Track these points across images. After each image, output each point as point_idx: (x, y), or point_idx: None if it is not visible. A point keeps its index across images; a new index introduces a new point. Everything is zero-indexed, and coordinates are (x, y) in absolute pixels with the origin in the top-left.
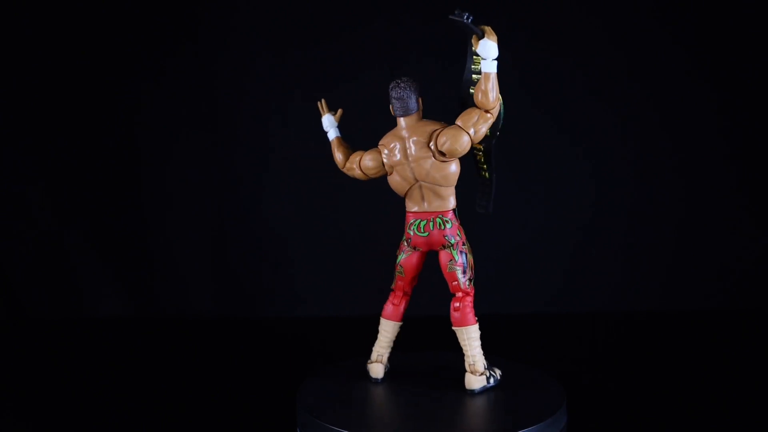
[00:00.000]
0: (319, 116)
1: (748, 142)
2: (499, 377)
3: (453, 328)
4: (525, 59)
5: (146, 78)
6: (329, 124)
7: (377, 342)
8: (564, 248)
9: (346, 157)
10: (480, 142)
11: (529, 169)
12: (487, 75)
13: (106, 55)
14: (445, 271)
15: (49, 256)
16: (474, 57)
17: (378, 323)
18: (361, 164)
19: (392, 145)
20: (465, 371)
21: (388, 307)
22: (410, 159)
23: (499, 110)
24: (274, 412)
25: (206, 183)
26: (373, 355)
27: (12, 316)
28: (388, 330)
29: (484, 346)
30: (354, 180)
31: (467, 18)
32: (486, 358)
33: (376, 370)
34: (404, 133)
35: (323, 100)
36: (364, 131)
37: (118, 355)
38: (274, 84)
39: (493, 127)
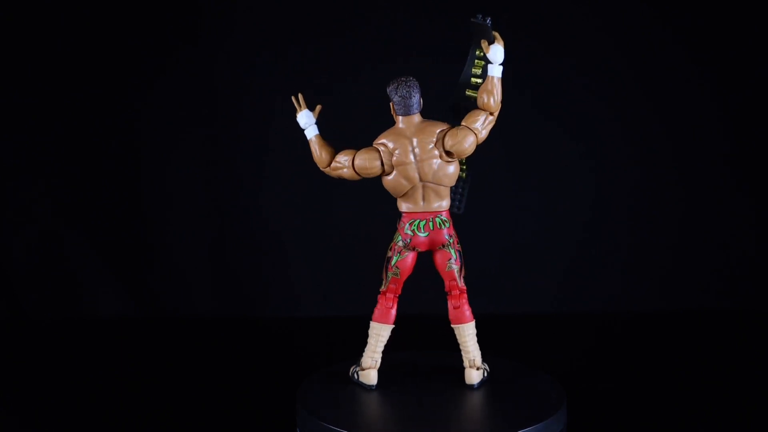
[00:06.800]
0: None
1: (748, 142)
2: (488, 370)
3: (453, 325)
4: (525, 58)
5: (146, 77)
6: (307, 120)
7: (370, 347)
8: (564, 248)
9: (331, 156)
10: None
11: (529, 168)
12: (494, 78)
13: (105, 54)
14: (443, 270)
15: (49, 256)
16: (476, 61)
17: None
18: (355, 163)
19: (395, 145)
20: (464, 367)
21: (382, 311)
22: (417, 159)
23: None
24: (274, 412)
25: (206, 183)
26: (369, 361)
27: (12, 316)
28: (384, 334)
29: (483, 346)
30: (354, 180)
31: (489, 21)
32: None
33: (372, 376)
34: (407, 133)
35: (300, 95)
36: (364, 131)
37: (118, 355)
38: (275, 83)
39: None
